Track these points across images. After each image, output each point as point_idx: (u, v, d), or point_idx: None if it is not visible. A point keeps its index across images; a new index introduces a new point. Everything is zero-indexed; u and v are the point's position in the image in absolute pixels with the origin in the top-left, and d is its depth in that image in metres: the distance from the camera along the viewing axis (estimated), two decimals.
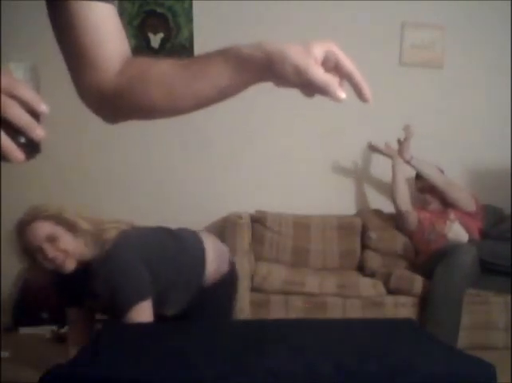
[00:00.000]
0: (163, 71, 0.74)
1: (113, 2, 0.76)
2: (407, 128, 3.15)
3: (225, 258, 2.07)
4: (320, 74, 0.64)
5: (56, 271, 1.82)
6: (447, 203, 3.18)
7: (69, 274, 1.81)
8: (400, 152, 3.15)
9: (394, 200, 3.21)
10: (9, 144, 0.52)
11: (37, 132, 0.53)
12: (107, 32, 0.76)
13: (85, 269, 1.79)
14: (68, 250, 1.76)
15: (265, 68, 0.67)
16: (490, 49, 3.50)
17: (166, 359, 1.34)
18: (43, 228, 1.76)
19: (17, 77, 0.57)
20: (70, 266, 1.77)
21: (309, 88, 0.65)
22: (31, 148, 0.54)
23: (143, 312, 1.79)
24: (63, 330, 2.87)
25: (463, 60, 3.50)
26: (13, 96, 0.52)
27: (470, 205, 3.11)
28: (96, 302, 1.87)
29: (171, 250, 1.95)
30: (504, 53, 3.50)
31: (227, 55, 0.70)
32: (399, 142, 3.17)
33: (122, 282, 1.76)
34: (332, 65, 0.67)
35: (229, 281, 2.07)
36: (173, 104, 0.75)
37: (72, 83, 0.79)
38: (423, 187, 3.20)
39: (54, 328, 2.93)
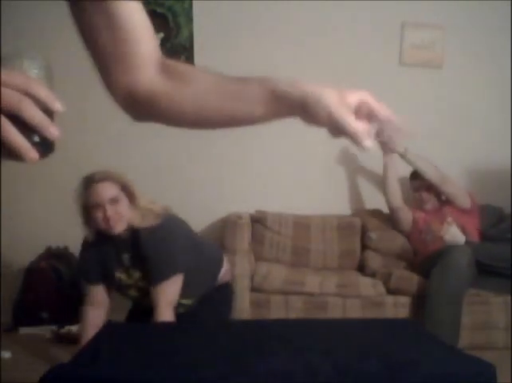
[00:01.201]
0: (203, 85, 0.73)
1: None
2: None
3: (229, 269, 2.36)
4: (351, 123, 0.65)
5: (92, 242, 2.02)
6: (443, 202, 3.18)
7: (106, 243, 2.00)
8: (391, 148, 3.11)
9: (385, 197, 3.23)
10: (23, 142, 0.51)
11: (52, 130, 0.52)
12: (138, 29, 0.75)
13: (131, 235, 1.98)
14: (124, 214, 1.95)
15: (299, 106, 0.68)
16: (490, 49, 3.50)
17: (166, 359, 1.34)
18: (111, 189, 1.94)
19: (32, 75, 0.56)
20: (120, 228, 1.95)
21: (338, 131, 0.67)
22: (45, 146, 0.54)
23: (176, 284, 1.99)
24: (63, 330, 2.87)
25: (463, 60, 3.50)
26: (28, 94, 0.51)
27: (465, 201, 3.10)
28: (134, 268, 2.02)
29: (201, 243, 2.22)
30: (504, 53, 3.50)
31: (265, 85, 0.70)
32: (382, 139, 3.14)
33: (171, 249, 1.98)
34: (365, 114, 0.68)
35: (231, 288, 2.35)
36: (203, 119, 0.76)
37: (102, 82, 0.78)
38: (419, 185, 3.19)
39: (54, 328, 2.93)
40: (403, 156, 3.11)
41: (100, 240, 2.03)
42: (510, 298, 2.80)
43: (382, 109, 0.69)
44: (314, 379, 1.27)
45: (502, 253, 2.81)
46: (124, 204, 1.96)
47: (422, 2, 3.45)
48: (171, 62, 0.78)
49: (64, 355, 2.24)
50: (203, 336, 1.58)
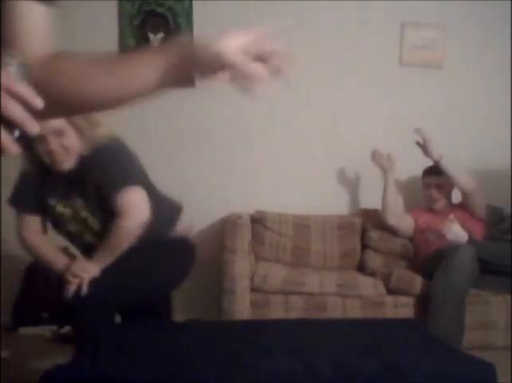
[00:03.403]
0: (75, 68, 0.76)
1: (53, 6, 0.78)
2: (418, 131, 3.11)
3: (189, 228, 2.21)
4: (238, 57, 0.65)
5: (30, 172, 1.92)
6: (453, 205, 3.18)
7: (45, 173, 1.88)
8: (427, 154, 3.09)
9: (382, 213, 3.20)
10: (5, 137, 0.54)
11: (32, 126, 0.55)
12: (37, 32, 0.78)
13: (78, 166, 1.85)
14: (71, 148, 1.82)
15: (192, 62, 0.69)
16: (490, 49, 3.50)
17: (166, 359, 1.34)
18: (54, 121, 1.77)
19: (11, 73, 0.57)
20: (68, 164, 1.83)
21: (234, 75, 0.67)
22: (25, 141, 0.56)
23: (138, 193, 1.84)
24: (63, 330, 2.87)
25: (463, 60, 3.50)
26: (9, 92, 0.54)
27: (483, 213, 3.12)
28: (76, 196, 1.89)
29: (153, 183, 2.05)
30: (504, 53, 3.50)
31: (155, 53, 0.73)
32: (420, 145, 3.12)
33: (124, 161, 1.86)
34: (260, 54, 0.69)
35: (190, 242, 2.16)
36: (88, 97, 0.76)
37: None
38: (431, 183, 3.18)
39: (54, 328, 2.93)
40: (437, 163, 3.08)
41: (40, 170, 1.91)
42: (509, 297, 2.80)
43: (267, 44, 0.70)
44: (314, 379, 1.27)
45: (503, 251, 2.81)
46: (71, 137, 1.82)
47: (422, 2, 3.44)
48: (48, 56, 0.79)
49: (64, 355, 2.24)
50: (203, 336, 1.58)
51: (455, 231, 2.90)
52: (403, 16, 3.45)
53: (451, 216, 2.99)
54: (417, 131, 3.10)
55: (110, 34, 3.30)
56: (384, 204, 3.18)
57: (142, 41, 3.37)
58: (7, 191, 3.20)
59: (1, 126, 0.53)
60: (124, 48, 3.35)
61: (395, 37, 3.47)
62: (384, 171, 3.22)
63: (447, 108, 3.51)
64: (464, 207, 3.15)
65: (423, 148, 3.10)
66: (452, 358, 1.45)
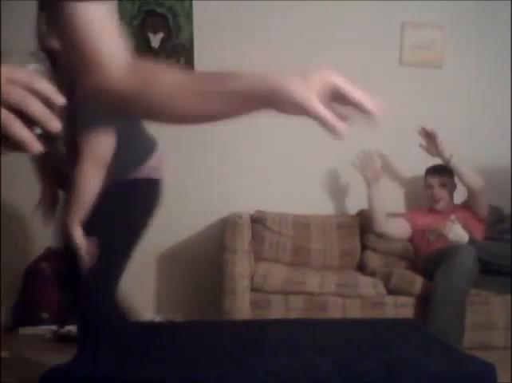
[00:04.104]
0: (173, 82, 0.75)
1: (110, 2, 0.77)
2: (427, 130, 3.09)
3: (161, 168, 2.08)
4: (319, 110, 0.66)
5: None
6: (456, 205, 3.18)
7: None
8: (437, 152, 3.09)
9: (370, 222, 3.18)
10: (27, 135, 0.54)
11: (53, 123, 0.55)
12: (102, 31, 0.77)
13: None
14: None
15: (268, 101, 0.70)
16: (489, 49, 3.50)
17: (166, 359, 1.34)
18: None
19: (32, 70, 0.58)
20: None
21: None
22: (47, 139, 0.56)
23: (95, 138, 1.73)
24: (63, 330, 2.87)
25: (463, 60, 3.50)
26: (30, 89, 0.54)
27: (486, 213, 3.12)
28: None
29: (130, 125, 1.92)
30: (504, 53, 3.50)
31: (235, 83, 0.73)
32: (429, 143, 3.11)
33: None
34: (335, 96, 0.69)
35: (159, 185, 2.05)
36: (176, 116, 0.78)
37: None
38: (434, 182, 3.18)
39: (54, 328, 2.93)
40: (448, 162, 3.07)
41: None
42: (510, 297, 2.80)
43: (351, 89, 0.69)
44: (314, 379, 1.27)
45: (503, 251, 2.81)
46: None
47: (422, 2, 3.45)
48: (140, 62, 0.80)
49: (64, 355, 2.24)
50: (203, 336, 1.58)
51: (456, 232, 2.90)
52: (403, 16, 3.45)
53: (452, 217, 2.99)
54: (426, 129, 3.09)
55: None
56: (370, 214, 3.16)
57: (142, 41, 3.38)
58: (7, 191, 3.21)
59: (23, 123, 0.53)
60: None
61: (395, 37, 3.47)
62: (370, 183, 3.15)
63: (447, 108, 3.51)
64: (467, 207, 3.15)
65: (434, 145, 3.08)
66: (452, 358, 1.44)
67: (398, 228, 3.19)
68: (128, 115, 0.85)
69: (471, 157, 3.37)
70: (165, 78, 0.76)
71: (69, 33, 0.75)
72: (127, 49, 0.80)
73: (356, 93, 0.69)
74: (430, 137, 3.11)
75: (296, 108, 0.67)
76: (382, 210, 3.14)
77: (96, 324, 1.75)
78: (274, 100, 0.69)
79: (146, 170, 1.97)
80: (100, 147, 1.75)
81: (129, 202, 1.91)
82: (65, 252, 1.84)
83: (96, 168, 1.73)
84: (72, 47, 0.77)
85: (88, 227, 1.78)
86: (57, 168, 2.04)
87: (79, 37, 0.75)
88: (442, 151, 3.06)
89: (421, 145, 3.11)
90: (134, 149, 1.95)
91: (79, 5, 0.73)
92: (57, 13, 0.75)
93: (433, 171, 3.19)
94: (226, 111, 0.75)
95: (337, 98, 0.69)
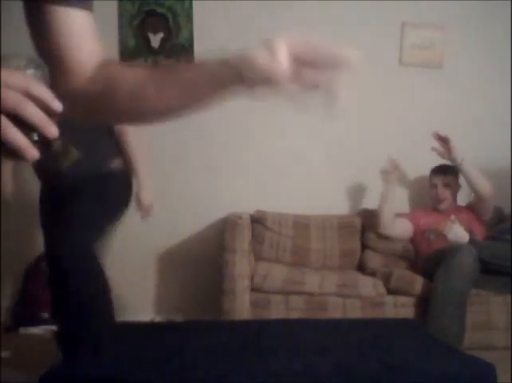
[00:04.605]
0: (133, 81, 0.75)
1: (89, 9, 0.79)
2: (437, 136, 3.07)
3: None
4: (284, 81, 0.64)
5: None
6: (459, 207, 3.18)
7: None
8: (449, 157, 3.06)
9: (377, 222, 3.17)
10: (24, 141, 0.52)
11: (51, 129, 0.54)
12: (81, 37, 0.77)
13: None
14: None
15: (235, 78, 0.68)
16: (489, 49, 3.50)
17: (166, 359, 1.34)
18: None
19: (29, 75, 0.57)
20: None
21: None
22: (44, 145, 0.55)
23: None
24: None
25: (463, 60, 3.50)
26: (27, 94, 0.53)
27: (490, 217, 3.13)
28: None
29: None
30: (504, 53, 3.50)
31: (194, 68, 0.72)
32: (440, 147, 3.10)
33: None
34: (307, 60, 0.66)
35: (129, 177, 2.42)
36: (140, 113, 0.77)
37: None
38: (438, 182, 3.17)
39: (54, 328, 2.93)
40: (459, 166, 3.06)
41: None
42: (510, 297, 2.80)
43: (318, 45, 0.66)
44: (314, 379, 1.27)
45: (504, 251, 2.81)
46: None
47: (422, 2, 3.44)
48: (107, 64, 0.79)
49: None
50: (203, 336, 1.58)
51: (456, 232, 2.89)
52: (403, 16, 3.45)
53: (452, 217, 2.99)
54: (439, 134, 3.08)
55: (110, 34, 3.30)
56: (379, 215, 3.15)
57: (142, 41, 3.37)
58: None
59: (20, 129, 0.52)
60: (124, 48, 3.36)
61: (395, 37, 3.47)
62: (388, 184, 3.16)
63: (447, 108, 3.51)
64: (471, 209, 3.15)
65: (447, 150, 3.06)
66: (452, 358, 1.45)
67: (401, 228, 3.19)
68: (97, 121, 0.83)
69: (471, 157, 3.37)
70: (127, 76, 0.76)
71: (45, 37, 0.76)
72: (101, 54, 0.80)
73: (326, 47, 0.67)
74: (443, 141, 3.09)
75: (262, 81, 0.65)
76: (391, 213, 3.15)
77: (66, 274, 2.00)
78: (241, 76, 0.67)
79: (116, 164, 2.37)
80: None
81: (106, 183, 2.29)
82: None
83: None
84: (46, 48, 0.77)
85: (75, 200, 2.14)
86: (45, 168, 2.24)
87: (54, 39, 0.76)
88: (454, 155, 3.06)
89: (433, 149, 3.09)
90: (105, 148, 2.34)
91: (57, 9, 0.74)
92: (34, 16, 0.75)
93: (438, 171, 3.19)
94: (191, 99, 0.73)
95: (308, 63, 0.66)
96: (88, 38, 0.79)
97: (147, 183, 2.55)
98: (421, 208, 3.34)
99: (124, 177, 2.40)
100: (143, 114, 0.78)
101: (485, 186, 3.04)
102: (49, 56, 0.77)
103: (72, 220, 2.08)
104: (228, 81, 0.69)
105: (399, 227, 3.19)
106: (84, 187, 2.14)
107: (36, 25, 0.77)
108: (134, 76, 0.75)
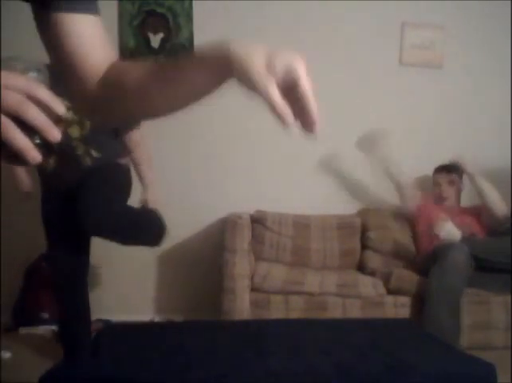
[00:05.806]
0: (137, 78, 0.75)
1: (95, 12, 0.79)
2: (458, 158, 3.16)
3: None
4: (274, 97, 0.64)
5: None
6: (463, 209, 3.19)
7: None
8: (465, 166, 3.14)
9: (400, 197, 3.27)
10: (26, 143, 0.51)
11: (53, 132, 0.53)
12: (91, 43, 0.78)
13: None
14: None
15: (228, 70, 0.68)
16: (489, 49, 3.51)
17: (166, 359, 1.34)
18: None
19: (31, 78, 0.57)
20: None
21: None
22: (46, 148, 0.54)
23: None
24: None
25: (463, 60, 3.50)
26: (30, 97, 0.52)
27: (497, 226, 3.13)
28: None
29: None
30: (504, 53, 3.50)
31: (193, 59, 0.73)
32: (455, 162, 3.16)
33: None
34: (292, 82, 0.65)
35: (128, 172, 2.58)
36: (148, 109, 0.78)
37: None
38: (441, 181, 3.18)
39: (54, 328, 2.93)
40: (471, 177, 3.10)
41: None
42: (509, 297, 2.80)
43: (308, 89, 0.65)
44: (314, 379, 1.27)
45: (495, 246, 2.80)
46: None
47: (422, 2, 3.45)
48: (113, 64, 0.80)
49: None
50: (203, 336, 1.58)
51: (448, 230, 2.89)
52: (403, 16, 3.45)
53: (444, 215, 2.99)
54: (456, 158, 3.13)
55: (110, 34, 3.29)
56: (399, 191, 3.27)
57: (142, 41, 3.38)
58: (7, 190, 3.20)
59: (22, 131, 0.51)
60: (124, 48, 3.36)
61: (395, 37, 3.47)
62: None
63: (447, 108, 3.51)
64: (477, 213, 3.14)
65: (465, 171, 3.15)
66: (452, 358, 1.45)
67: (411, 203, 3.25)
68: (110, 122, 0.83)
69: (470, 157, 3.37)
70: (132, 73, 0.76)
71: (56, 43, 0.76)
72: (113, 56, 0.81)
73: (311, 98, 0.66)
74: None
75: (251, 88, 0.65)
76: (408, 186, 3.23)
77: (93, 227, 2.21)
78: (231, 69, 0.67)
79: (122, 159, 2.53)
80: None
81: (115, 171, 2.46)
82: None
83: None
84: (59, 54, 0.78)
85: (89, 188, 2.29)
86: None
87: (65, 48, 0.76)
88: (468, 170, 3.12)
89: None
90: (114, 147, 2.48)
91: (65, 15, 0.75)
92: (44, 24, 0.76)
93: (441, 169, 3.20)
94: (192, 95, 0.73)
95: (291, 87, 0.66)
96: (98, 43, 0.79)
97: (153, 188, 2.74)
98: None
99: (128, 173, 2.56)
100: (148, 112, 0.79)
101: (501, 207, 3.05)
102: (63, 64, 0.78)
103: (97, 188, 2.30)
104: (228, 74, 0.69)
105: (411, 203, 3.24)
106: (95, 173, 2.28)
107: (47, 36, 0.77)
108: (137, 73, 0.76)
